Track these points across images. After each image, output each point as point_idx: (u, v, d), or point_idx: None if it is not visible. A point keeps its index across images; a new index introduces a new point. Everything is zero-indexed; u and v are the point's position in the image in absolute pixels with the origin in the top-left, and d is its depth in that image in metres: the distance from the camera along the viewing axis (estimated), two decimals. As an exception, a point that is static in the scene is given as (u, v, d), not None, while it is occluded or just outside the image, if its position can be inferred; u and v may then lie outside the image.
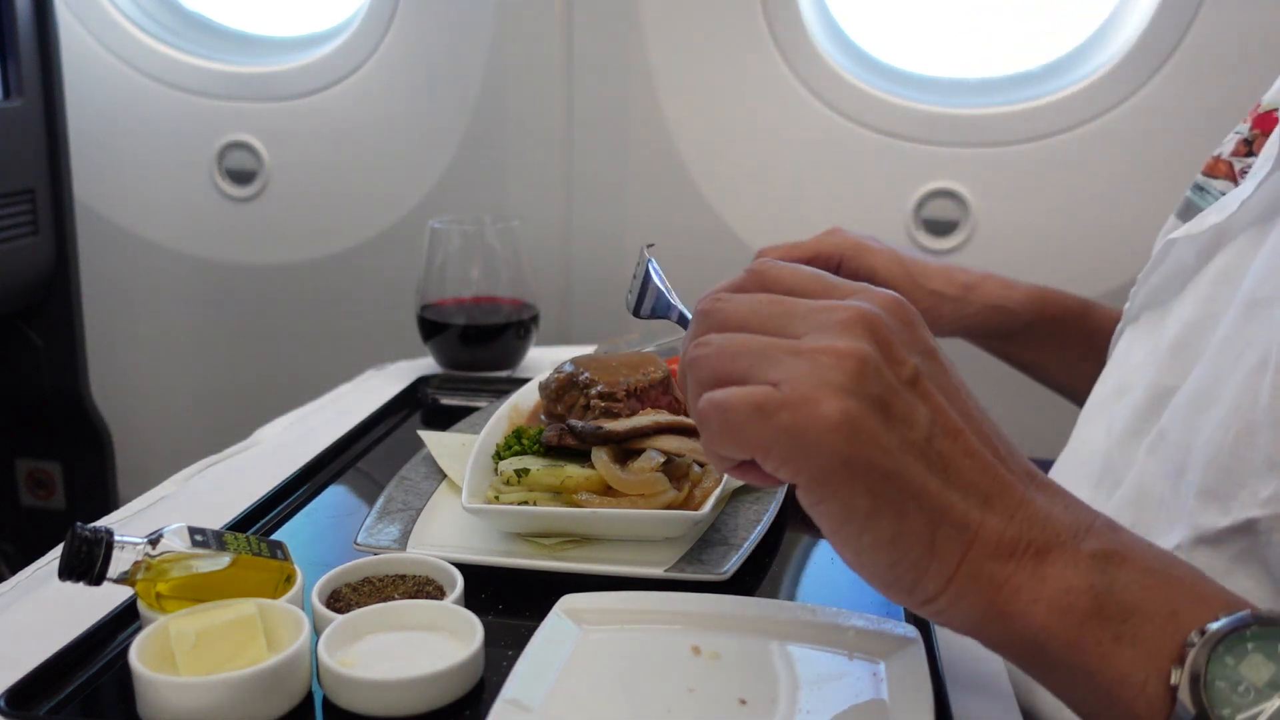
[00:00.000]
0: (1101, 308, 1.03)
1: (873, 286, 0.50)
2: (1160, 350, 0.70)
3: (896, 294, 0.49)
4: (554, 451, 0.77)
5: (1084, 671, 0.45)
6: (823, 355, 0.46)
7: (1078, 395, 1.05)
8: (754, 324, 0.49)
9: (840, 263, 1.01)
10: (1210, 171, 0.78)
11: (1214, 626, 0.42)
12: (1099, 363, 0.84)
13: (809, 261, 0.95)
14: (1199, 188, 0.78)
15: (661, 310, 0.67)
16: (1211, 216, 0.68)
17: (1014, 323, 1.02)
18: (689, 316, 0.65)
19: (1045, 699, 0.72)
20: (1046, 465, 0.80)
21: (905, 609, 0.66)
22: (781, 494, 0.77)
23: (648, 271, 0.68)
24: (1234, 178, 0.76)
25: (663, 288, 0.68)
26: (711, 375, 0.49)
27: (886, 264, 1.01)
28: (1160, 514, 0.62)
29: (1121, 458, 0.70)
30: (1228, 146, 0.78)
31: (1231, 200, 0.68)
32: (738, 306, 0.50)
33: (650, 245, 0.70)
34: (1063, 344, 1.03)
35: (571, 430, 0.75)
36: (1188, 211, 0.78)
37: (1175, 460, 0.62)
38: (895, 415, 0.46)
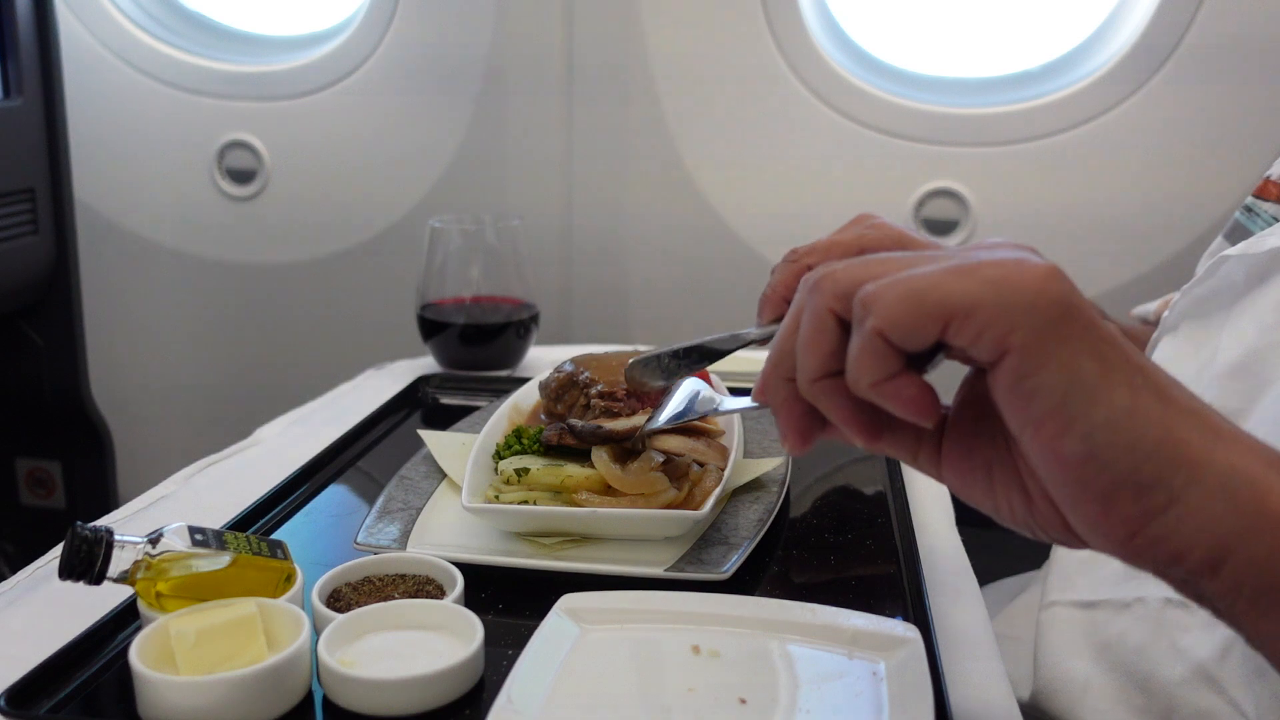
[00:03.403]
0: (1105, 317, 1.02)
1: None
2: (1216, 370, 0.69)
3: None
4: (554, 451, 0.77)
5: None
6: (1002, 246, 0.41)
7: None
8: (899, 260, 0.42)
9: None
10: (1260, 194, 0.77)
11: None
12: None
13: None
14: (1248, 209, 0.78)
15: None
16: (1272, 239, 0.68)
17: None
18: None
19: (1053, 702, 0.72)
20: None
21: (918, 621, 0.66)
22: (782, 493, 0.77)
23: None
24: None
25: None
26: (858, 278, 0.41)
27: None
28: None
29: None
30: (1277, 169, 0.78)
31: None
32: (861, 258, 0.43)
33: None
34: None
35: (571, 430, 0.75)
36: (1235, 233, 0.77)
37: None
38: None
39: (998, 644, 0.66)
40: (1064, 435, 0.39)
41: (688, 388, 0.66)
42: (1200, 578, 0.40)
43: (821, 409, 0.45)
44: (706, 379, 0.82)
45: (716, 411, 0.64)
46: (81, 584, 0.57)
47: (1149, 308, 0.97)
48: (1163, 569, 0.41)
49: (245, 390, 1.88)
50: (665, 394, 0.66)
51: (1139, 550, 0.41)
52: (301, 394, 1.12)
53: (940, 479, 0.47)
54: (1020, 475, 0.44)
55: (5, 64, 1.48)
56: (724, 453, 0.77)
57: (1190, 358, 0.73)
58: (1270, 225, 0.74)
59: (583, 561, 0.69)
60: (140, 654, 0.54)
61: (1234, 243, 0.74)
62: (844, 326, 0.43)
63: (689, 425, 0.75)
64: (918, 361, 0.42)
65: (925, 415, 0.42)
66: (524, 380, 0.98)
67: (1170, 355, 0.76)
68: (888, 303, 0.40)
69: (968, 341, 0.39)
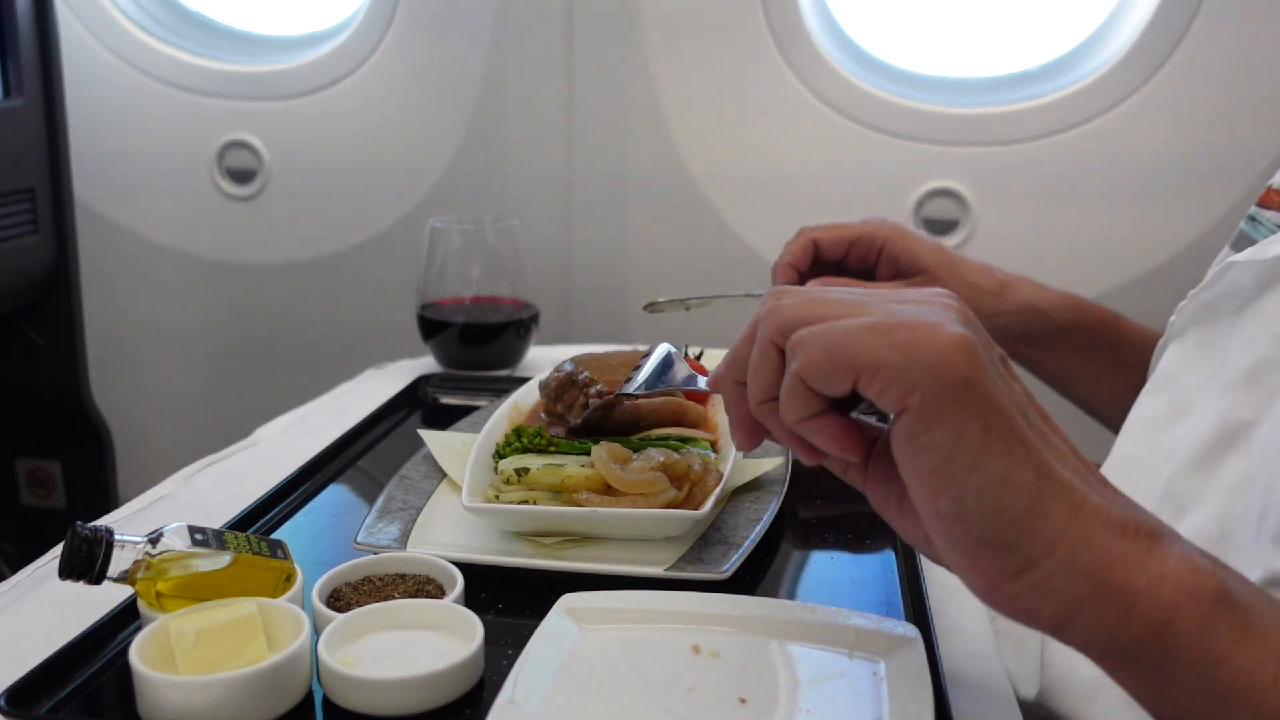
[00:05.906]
0: (1129, 322, 1.02)
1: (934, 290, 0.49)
2: (1226, 378, 0.69)
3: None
4: (553, 449, 0.77)
5: (1209, 662, 0.41)
6: (930, 301, 0.45)
7: (1104, 410, 1.03)
8: (837, 303, 0.46)
9: (883, 246, 0.98)
10: (1264, 203, 0.77)
11: None
12: (1127, 377, 0.83)
13: (853, 241, 0.95)
14: (1252, 219, 0.78)
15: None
16: (1276, 246, 0.68)
17: (1047, 326, 0.98)
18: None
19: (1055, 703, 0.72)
20: None
21: (908, 613, 0.66)
22: (782, 493, 0.77)
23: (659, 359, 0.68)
24: None
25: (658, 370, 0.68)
26: (797, 317, 0.46)
27: (930, 250, 0.98)
28: (1241, 557, 0.62)
29: (1185, 487, 0.68)
30: (1279, 177, 0.78)
31: None
32: (811, 291, 0.48)
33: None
34: (1093, 355, 1.00)
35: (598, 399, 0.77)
36: (1240, 243, 0.77)
37: (1260, 504, 0.61)
38: (999, 372, 0.44)
39: (1000, 642, 0.66)
40: (940, 493, 0.42)
41: (660, 353, 0.68)
42: (1055, 633, 0.44)
43: (767, 426, 0.50)
44: (703, 371, 0.82)
45: (690, 387, 0.65)
46: (81, 584, 0.57)
47: None
48: (1022, 621, 0.44)
49: (245, 390, 1.88)
50: (642, 358, 0.69)
51: (997, 603, 0.44)
52: (301, 394, 1.12)
53: (863, 492, 0.51)
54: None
55: (5, 64, 1.48)
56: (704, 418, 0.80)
57: (1198, 365, 0.73)
58: (1273, 233, 0.74)
59: (583, 561, 0.69)
60: (140, 654, 0.54)
61: (1238, 252, 0.74)
62: (785, 358, 0.47)
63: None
64: (845, 404, 0.47)
65: (846, 451, 0.47)
66: (524, 380, 0.98)
67: (1178, 362, 0.76)
68: (809, 351, 0.44)
69: (874, 395, 0.43)
